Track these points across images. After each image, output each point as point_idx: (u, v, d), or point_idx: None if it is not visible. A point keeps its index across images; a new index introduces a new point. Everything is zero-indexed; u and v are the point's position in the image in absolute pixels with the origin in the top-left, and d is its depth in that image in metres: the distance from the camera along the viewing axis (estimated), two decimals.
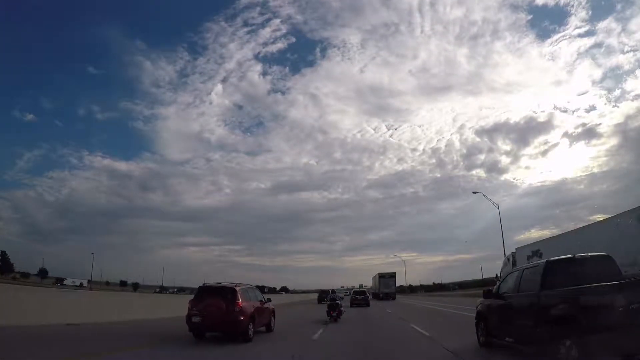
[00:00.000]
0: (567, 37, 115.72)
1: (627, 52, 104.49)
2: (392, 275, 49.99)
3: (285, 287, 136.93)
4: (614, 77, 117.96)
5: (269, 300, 12.93)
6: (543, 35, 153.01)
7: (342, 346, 9.84)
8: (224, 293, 10.22)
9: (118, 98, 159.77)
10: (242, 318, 9.94)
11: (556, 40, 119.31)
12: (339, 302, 17.33)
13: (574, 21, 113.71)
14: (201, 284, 10.87)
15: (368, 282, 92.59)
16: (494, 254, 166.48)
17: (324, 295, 37.85)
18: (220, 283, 10.93)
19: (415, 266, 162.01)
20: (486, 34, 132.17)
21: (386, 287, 48.24)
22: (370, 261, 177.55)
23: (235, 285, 10.60)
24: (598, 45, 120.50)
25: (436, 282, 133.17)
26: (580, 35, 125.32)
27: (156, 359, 8.30)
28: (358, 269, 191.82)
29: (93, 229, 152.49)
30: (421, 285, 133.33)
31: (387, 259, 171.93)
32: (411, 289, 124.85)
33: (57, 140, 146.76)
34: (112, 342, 10.04)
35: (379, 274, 50.60)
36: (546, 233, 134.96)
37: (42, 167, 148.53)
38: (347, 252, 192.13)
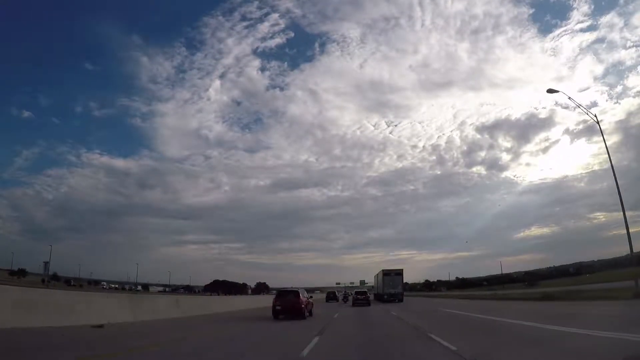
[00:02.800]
0: (569, 31, 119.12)
1: (630, 47, 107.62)
2: (399, 273, 43.04)
3: (264, 283, 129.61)
4: (616, 73, 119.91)
5: (311, 297, 22.25)
6: (545, 29, 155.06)
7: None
8: (292, 293, 19.57)
9: (115, 95, 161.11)
10: (302, 306, 19.29)
11: (558, 35, 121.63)
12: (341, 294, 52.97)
13: (576, 15, 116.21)
14: (279, 289, 20.26)
15: (367, 280, 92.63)
16: (494, 251, 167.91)
17: (331, 295, 53.65)
18: (290, 288, 20.25)
19: (415, 264, 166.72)
20: (488, 28, 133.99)
21: (392, 286, 42.13)
22: (370, 259, 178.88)
23: (297, 289, 19.95)
24: (600, 40, 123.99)
25: (461, 277, 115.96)
26: (582, 30, 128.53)
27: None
28: (358, 266, 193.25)
29: (92, 227, 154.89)
30: (441, 282, 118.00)
31: (387, 256, 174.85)
32: (429, 286, 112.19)
33: (55, 138, 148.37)
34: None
35: (382, 270, 44.18)
36: (546, 231, 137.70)
37: (40, 165, 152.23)
38: (346, 250, 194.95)
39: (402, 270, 43.56)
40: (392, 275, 42.71)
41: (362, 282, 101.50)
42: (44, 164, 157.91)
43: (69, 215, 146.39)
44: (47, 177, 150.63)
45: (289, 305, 19.21)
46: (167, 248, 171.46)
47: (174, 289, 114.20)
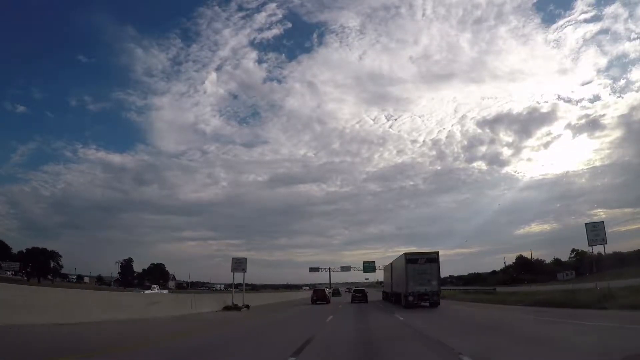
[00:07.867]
0: (573, 22, 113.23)
1: (634, 39, 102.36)
2: (433, 258, 26.94)
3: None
4: (620, 66, 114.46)
5: (330, 292, 39.13)
6: (548, 20, 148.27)
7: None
8: (322, 290, 36.32)
9: (110, 88, 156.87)
10: (327, 296, 35.90)
11: (561, 26, 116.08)
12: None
13: (580, 5, 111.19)
14: (314, 287, 37.21)
15: (380, 263, 70.23)
16: (494, 248, 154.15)
17: (335, 291, 63.85)
18: (319, 287, 37.25)
19: None
20: (490, 17, 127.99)
21: (421, 280, 26.27)
22: (370, 255, 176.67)
23: (324, 288, 37.17)
24: (604, 31, 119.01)
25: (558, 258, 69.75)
26: (586, 21, 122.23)
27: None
28: (357, 263, 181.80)
29: (90, 223, 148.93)
30: (557, 262, 69.21)
31: (387, 252, 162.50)
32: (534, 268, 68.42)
33: (50, 133, 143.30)
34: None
35: (405, 255, 27.43)
36: (546, 227, 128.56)
37: (36, 160, 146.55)
38: (346, 246, 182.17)
39: (437, 253, 27.37)
40: (421, 263, 26.79)
41: (368, 267, 74.87)
42: (40, 160, 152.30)
43: (66, 211, 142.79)
44: (44, 173, 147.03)
45: (320, 296, 35.59)
46: (166, 244, 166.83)
47: None
